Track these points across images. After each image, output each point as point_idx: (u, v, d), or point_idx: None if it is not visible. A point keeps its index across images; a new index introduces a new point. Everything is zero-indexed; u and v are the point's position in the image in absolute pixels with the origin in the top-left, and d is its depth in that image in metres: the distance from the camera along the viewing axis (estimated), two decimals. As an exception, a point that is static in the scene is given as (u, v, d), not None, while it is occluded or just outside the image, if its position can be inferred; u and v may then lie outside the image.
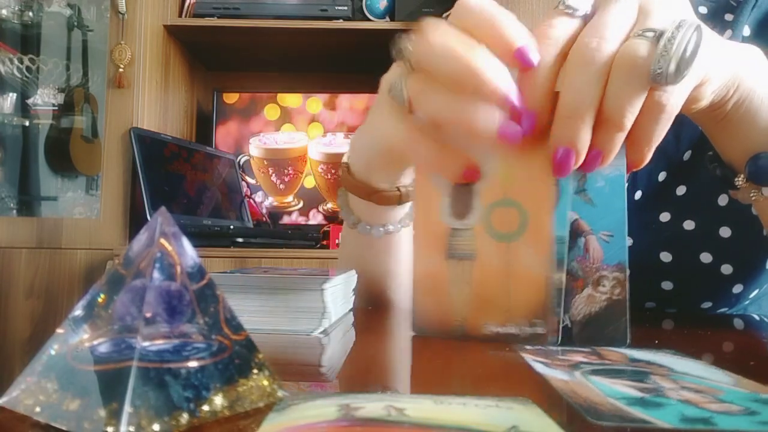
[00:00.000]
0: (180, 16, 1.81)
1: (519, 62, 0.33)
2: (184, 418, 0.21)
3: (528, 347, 0.36)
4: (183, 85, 1.96)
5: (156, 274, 0.22)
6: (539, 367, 0.31)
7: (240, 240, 1.61)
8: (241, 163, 1.96)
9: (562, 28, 0.34)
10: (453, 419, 0.21)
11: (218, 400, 0.22)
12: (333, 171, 1.96)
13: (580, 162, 0.33)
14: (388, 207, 0.53)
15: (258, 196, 1.96)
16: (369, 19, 1.82)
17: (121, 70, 1.63)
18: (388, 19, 1.83)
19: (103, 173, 1.64)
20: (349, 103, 1.97)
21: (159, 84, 1.77)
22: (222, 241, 1.59)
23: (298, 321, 0.42)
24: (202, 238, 1.56)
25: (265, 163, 1.96)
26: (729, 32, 0.61)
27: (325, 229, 1.87)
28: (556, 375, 0.29)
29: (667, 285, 0.60)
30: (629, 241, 0.60)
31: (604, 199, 0.34)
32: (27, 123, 1.88)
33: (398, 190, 0.51)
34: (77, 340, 0.23)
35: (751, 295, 0.60)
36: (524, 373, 0.31)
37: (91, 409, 0.20)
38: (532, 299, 0.34)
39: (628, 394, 0.25)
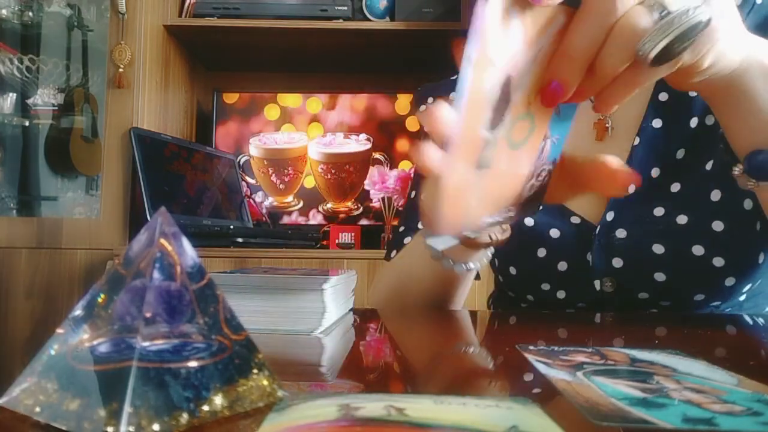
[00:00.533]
0: (180, 16, 1.81)
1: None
2: (184, 418, 0.21)
3: (531, 348, 0.36)
4: (183, 85, 1.96)
5: (156, 274, 0.22)
6: (541, 368, 0.31)
7: (240, 240, 1.61)
8: (241, 163, 1.96)
9: None
10: (453, 419, 0.21)
11: (218, 400, 0.22)
12: (333, 171, 1.96)
13: (567, 98, 0.35)
14: (477, 250, 0.54)
15: (258, 196, 1.96)
16: (369, 19, 1.82)
17: (121, 70, 1.63)
18: (388, 19, 1.83)
19: (103, 173, 1.64)
20: (349, 103, 1.97)
21: (159, 84, 1.77)
22: (222, 241, 1.59)
23: (298, 321, 0.42)
24: (202, 238, 1.56)
25: (265, 163, 1.96)
26: None
27: (325, 229, 1.87)
28: (558, 375, 0.29)
29: (659, 276, 0.61)
30: (623, 233, 0.63)
31: (565, 110, 0.39)
32: (27, 123, 1.88)
33: (489, 237, 0.52)
34: (77, 340, 0.23)
35: (744, 289, 0.61)
36: (526, 373, 0.31)
37: (91, 409, 0.20)
38: (515, 194, 0.38)
39: (631, 394, 0.25)
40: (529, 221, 0.66)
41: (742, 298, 0.63)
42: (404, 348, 0.42)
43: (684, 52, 0.34)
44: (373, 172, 1.86)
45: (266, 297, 0.43)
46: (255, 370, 0.24)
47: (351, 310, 0.55)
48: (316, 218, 1.95)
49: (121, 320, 0.22)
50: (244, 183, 1.95)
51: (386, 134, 1.96)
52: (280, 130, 1.96)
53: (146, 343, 0.21)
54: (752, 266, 0.59)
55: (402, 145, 1.94)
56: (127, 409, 0.19)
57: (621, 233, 0.62)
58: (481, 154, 0.35)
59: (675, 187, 0.62)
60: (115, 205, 1.63)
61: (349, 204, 1.95)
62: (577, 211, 0.66)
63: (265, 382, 0.24)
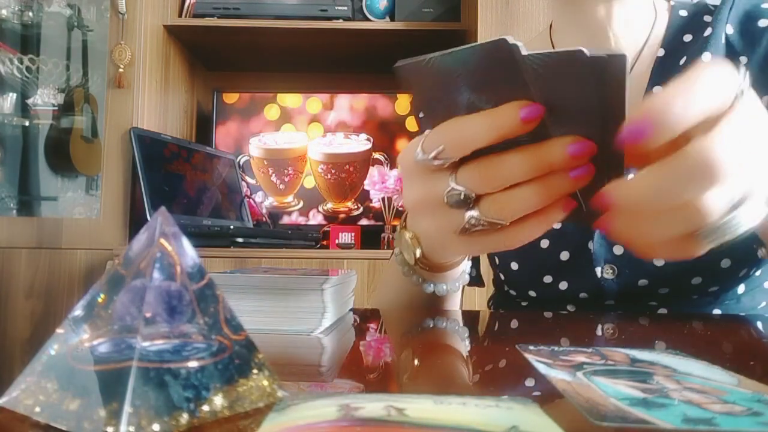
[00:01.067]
0: (180, 16, 1.81)
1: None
2: (184, 418, 0.21)
3: (531, 348, 0.36)
4: (183, 85, 1.96)
5: (156, 274, 0.22)
6: (541, 368, 0.31)
7: (240, 240, 1.61)
8: (241, 163, 1.96)
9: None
10: (453, 419, 0.21)
11: (218, 400, 0.22)
12: (333, 171, 1.96)
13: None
14: (455, 268, 0.53)
15: (258, 196, 1.96)
16: (369, 19, 1.82)
17: (121, 70, 1.63)
18: (388, 19, 1.83)
19: (103, 173, 1.64)
20: (349, 103, 1.97)
21: (159, 84, 1.77)
22: (222, 241, 1.59)
23: (298, 321, 0.42)
24: (202, 238, 1.55)
25: (265, 163, 1.96)
26: (709, 29, 0.66)
27: (325, 229, 1.87)
28: (558, 375, 0.29)
29: (658, 261, 0.62)
30: None
31: None
32: (27, 123, 1.88)
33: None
34: (77, 340, 0.23)
35: (741, 274, 0.62)
36: (526, 373, 0.31)
37: (91, 409, 0.20)
38: None
39: (631, 394, 0.25)
40: None
41: (741, 290, 0.64)
42: (404, 348, 0.42)
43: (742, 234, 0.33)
44: (373, 172, 1.86)
45: (266, 297, 0.43)
46: (255, 370, 0.24)
47: (351, 310, 0.55)
48: (316, 218, 1.95)
49: (121, 320, 0.22)
50: (244, 183, 1.95)
51: (386, 134, 1.96)
52: (280, 130, 1.96)
53: (146, 343, 0.21)
54: (746, 248, 0.59)
55: (402, 145, 1.94)
56: (127, 409, 0.19)
57: None
58: None
59: None
60: (115, 205, 1.63)
61: (349, 204, 1.95)
62: None
63: (265, 382, 0.24)
